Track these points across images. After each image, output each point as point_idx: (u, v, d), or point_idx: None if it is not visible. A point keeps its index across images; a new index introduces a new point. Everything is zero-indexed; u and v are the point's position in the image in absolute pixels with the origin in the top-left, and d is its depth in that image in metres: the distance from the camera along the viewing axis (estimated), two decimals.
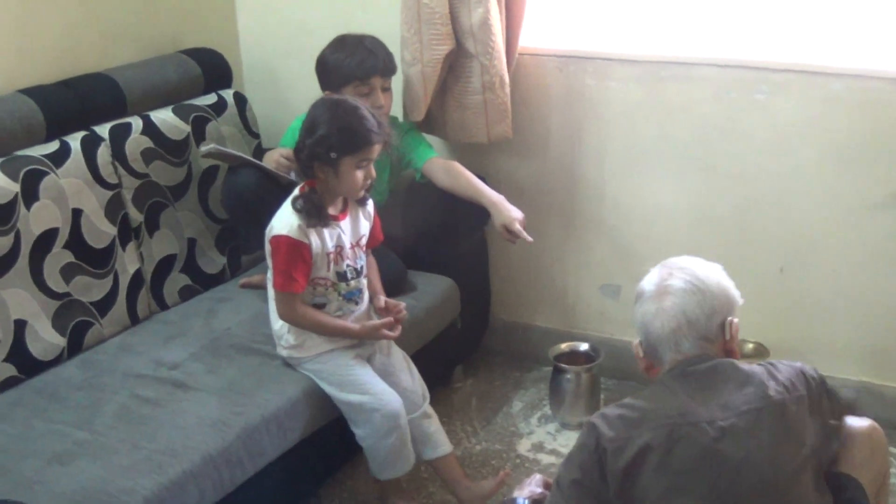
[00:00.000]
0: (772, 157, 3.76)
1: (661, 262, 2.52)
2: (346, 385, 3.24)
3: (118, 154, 3.58)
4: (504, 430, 3.95)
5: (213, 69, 4.11)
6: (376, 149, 3.13)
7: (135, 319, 3.59)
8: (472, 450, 3.81)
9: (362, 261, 3.32)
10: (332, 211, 3.21)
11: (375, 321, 3.31)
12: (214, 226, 3.94)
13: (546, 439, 3.89)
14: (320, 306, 3.25)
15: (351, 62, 3.66)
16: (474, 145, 4.03)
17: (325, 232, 3.18)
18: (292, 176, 3.61)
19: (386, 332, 3.28)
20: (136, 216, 3.63)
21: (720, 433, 2.24)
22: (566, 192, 4.14)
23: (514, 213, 3.72)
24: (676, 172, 3.92)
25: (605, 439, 2.29)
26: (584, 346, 4.06)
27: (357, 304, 3.31)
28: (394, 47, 3.78)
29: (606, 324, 4.26)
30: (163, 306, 3.71)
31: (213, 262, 3.91)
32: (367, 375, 3.28)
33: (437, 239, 3.96)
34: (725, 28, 3.83)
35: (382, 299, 3.40)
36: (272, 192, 3.53)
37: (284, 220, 3.16)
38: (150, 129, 3.71)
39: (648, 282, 2.48)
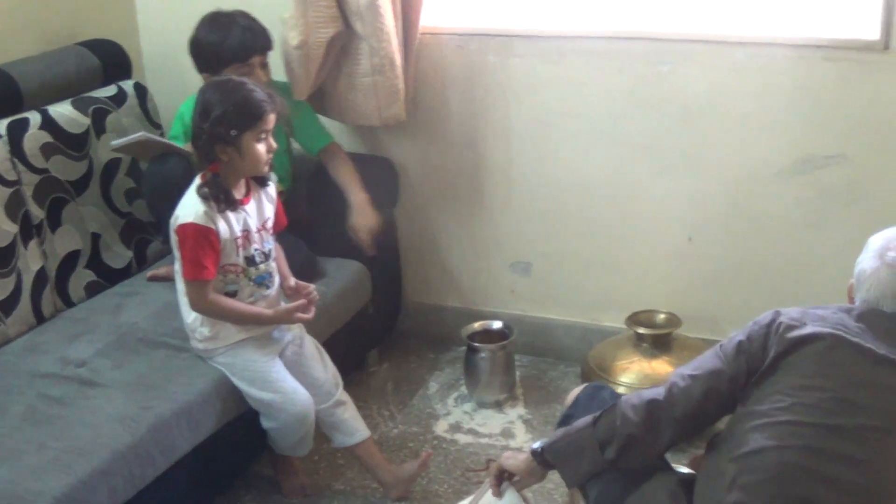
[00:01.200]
0: (679, 127, 3.79)
1: None
2: (256, 381, 3.22)
3: (16, 150, 3.52)
4: (421, 412, 3.95)
5: (112, 60, 4.05)
6: (272, 118, 3.11)
7: (40, 318, 3.53)
8: (390, 433, 3.80)
9: (269, 244, 3.28)
10: (236, 195, 3.15)
11: (288, 305, 3.27)
12: (119, 219, 3.89)
13: (463, 419, 3.89)
14: (232, 294, 3.20)
15: (230, 43, 3.63)
16: (377, 127, 4.02)
17: (231, 217, 3.13)
18: None
19: (300, 314, 3.25)
20: (37, 213, 3.56)
21: (877, 360, 2.31)
22: (472, 172, 4.14)
23: (367, 220, 3.84)
24: (584, 146, 3.94)
25: (786, 316, 2.41)
26: (497, 325, 4.07)
27: (268, 287, 3.28)
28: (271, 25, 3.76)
29: (518, 301, 4.27)
30: (69, 303, 3.65)
31: (118, 256, 3.85)
32: (277, 372, 3.26)
33: (344, 223, 3.94)
34: (626, 1, 3.84)
35: (292, 281, 3.38)
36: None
37: (189, 208, 3.10)
38: (48, 123, 3.64)
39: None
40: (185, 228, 3.08)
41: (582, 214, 4.01)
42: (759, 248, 3.81)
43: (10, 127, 3.54)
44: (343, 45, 3.80)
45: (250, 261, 3.20)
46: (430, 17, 3.96)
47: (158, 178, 3.62)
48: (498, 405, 3.96)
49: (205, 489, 3.28)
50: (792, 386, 2.32)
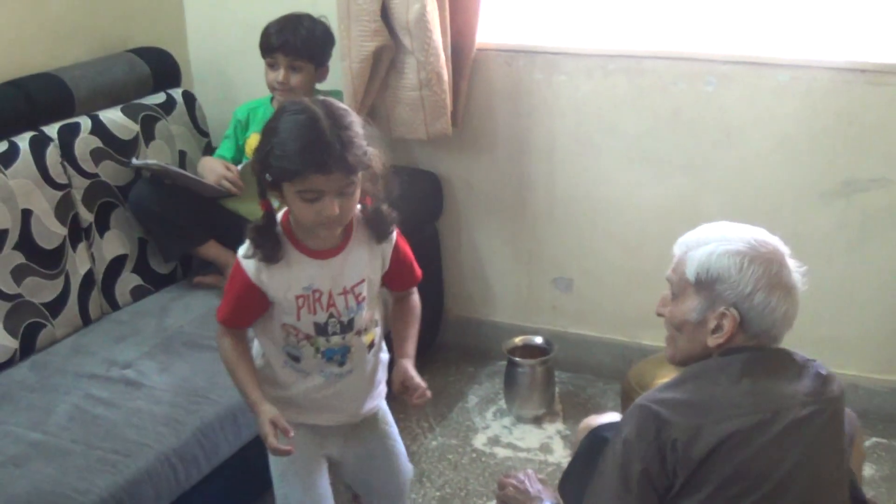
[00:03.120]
0: (720, 148, 3.79)
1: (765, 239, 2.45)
2: (285, 475, 2.76)
3: (67, 154, 3.56)
4: (459, 424, 3.96)
5: (161, 68, 4.08)
6: (324, 180, 2.34)
7: (87, 320, 3.57)
8: (428, 445, 3.82)
9: (358, 312, 2.62)
10: (311, 243, 2.55)
11: (269, 421, 2.49)
12: None
13: (502, 433, 3.90)
14: (295, 359, 2.65)
15: (266, 33, 3.76)
16: (426, 142, 4.04)
17: (293, 268, 2.54)
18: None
19: (276, 444, 2.48)
20: (86, 216, 3.60)
21: (796, 423, 2.23)
22: (516, 187, 4.16)
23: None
24: (626, 165, 3.94)
25: (674, 427, 2.21)
26: (537, 340, 4.08)
27: (341, 365, 2.67)
28: None
29: (559, 317, 4.28)
30: (114, 306, 3.68)
31: (164, 262, 3.88)
32: (314, 486, 2.76)
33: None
34: (672, 21, 3.85)
35: (404, 369, 2.69)
36: (180, 199, 3.65)
37: (247, 244, 2.57)
38: (98, 128, 3.69)
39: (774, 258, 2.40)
40: (237, 266, 2.57)
41: (624, 232, 4.01)
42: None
43: (61, 131, 3.59)
44: (392, 59, 3.82)
45: (321, 329, 2.60)
46: (480, 34, 3.97)
47: (134, 198, 3.73)
48: (537, 420, 3.96)
49: (245, 493, 3.28)
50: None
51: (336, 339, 2.62)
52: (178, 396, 3.07)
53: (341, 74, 3.80)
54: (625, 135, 3.91)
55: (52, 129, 3.57)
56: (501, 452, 3.77)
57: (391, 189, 2.57)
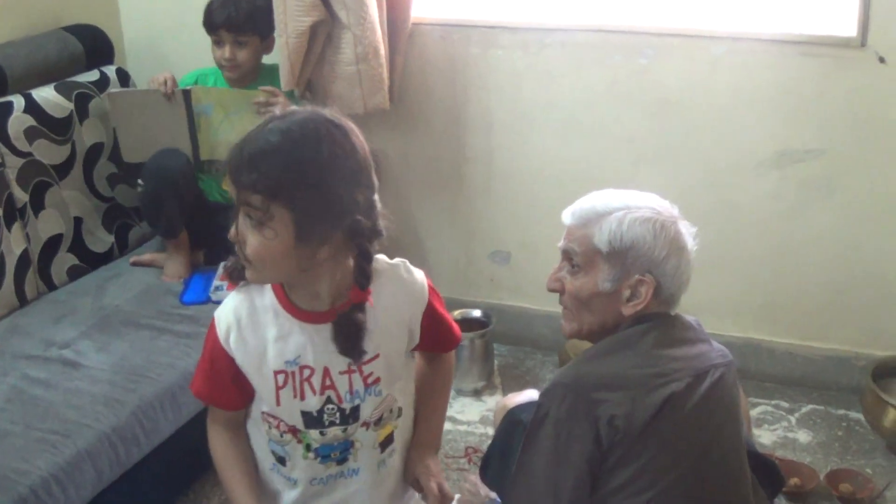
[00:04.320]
0: (657, 120, 3.82)
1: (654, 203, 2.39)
2: None
3: (0, 133, 3.52)
4: None
5: (94, 45, 4.05)
6: None
7: (23, 300, 3.54)
8: None
9: (366, 399, 2.12)
10: (301, 302, 2.06)
11: None
12: (101, 204, 3.90)
13: None
14: (280, 460, 2.18)
15: (208, 10, 3.76)
16: (360, 117, 4.03)
17: (270, 325, 2.06)
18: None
19: None
20: (20, 196, 3.57)
21: (714, 385, 2.25)
22: (453, 161, 4.17)
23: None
24: (563, 137, 3.96)
25: (609, 404, 2.14)
26: (476, 313, 4.10)
27: (342, 463, 2.16)
28: None
29: (497, 290, 4.30)
30: (51, 286, 3.66)
31: (100, 240, 3.86)
32: None
33: None
34: None
35: (425, 465, 2.25)
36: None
37: (227, 301, 2.14)
38: (32, 107, 3.65)
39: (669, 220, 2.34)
40: (211, 324, 2.14)
41: (561, 205, 3.93)
42: (738, 239, 3.85)
43: None
44: (329, 34, 3.81)
45: (312, 419, 2.10)
46: (414, 8, 3.97)
47: (161, 170, 3.66)
48: (476, 393, 3.99)
49: (188, 471, 3.29)
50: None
51: (334, 432, 2.11)
52: (117, 375, 3.05)
53: (278, 49, 3.78)
54: (562, 108, 3.92)
55: None
56: None
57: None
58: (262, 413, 2.10)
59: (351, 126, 2.03)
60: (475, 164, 4.13)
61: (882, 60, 3.49)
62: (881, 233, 3.69)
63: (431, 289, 2.22)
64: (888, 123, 3.56)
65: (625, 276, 2.29)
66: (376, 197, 2.04)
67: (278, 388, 2.03)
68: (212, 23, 3.72)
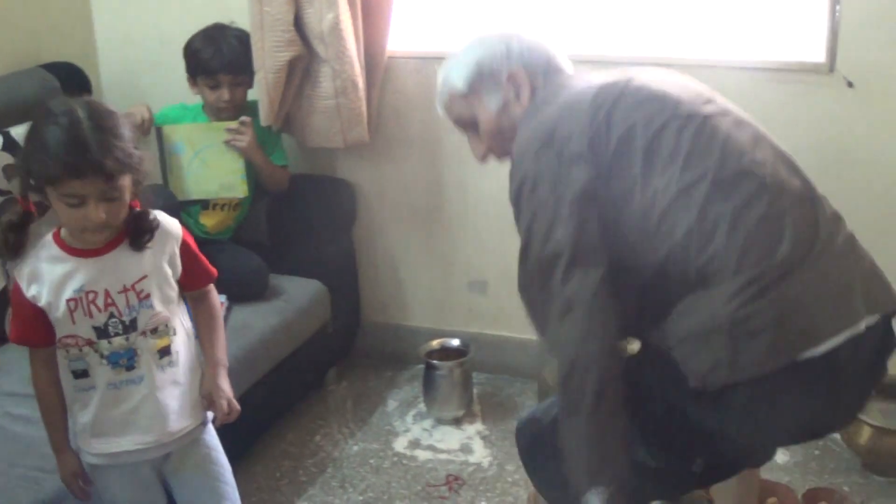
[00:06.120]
0: None
1: None
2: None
3: None
4: (380, 429, 4.00)
5: (72, 82, 4.06)
6: (82, 185, 2.28)
7: (3, 338, 3.50)
8: (350, 450, 3.85)
9: (141, 310, 2.50)
10: (79, 244, 2.46)
11: (71, 474, 2.60)
12: None
13: (422, 436, 3.94)
14: (80, 374, 2.53)
15: (203, 55, 3.77)
16: (336, 149, 4.07)
17: (61, 271, 2.44)
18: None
19: (80, 494, 2.62)
20: None
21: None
22: (429, 192, 4.21)
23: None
24: None
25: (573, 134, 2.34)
26: (454, 342, 4.13)
27: (132, 370, 2.51)
28: None
29: (475, 319, 4.33)
30: None
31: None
32: None
33: (304, 241, 4.00)
34: (581, 24, 3.91)
35: (209, 379, 2.65)
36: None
37: (22, 262, 2.52)
38: (10, 145, 3.64)
39: None
40: (14, 281, 2.52)
41: None
42: None
43: None
44: (307, 68, 3.85)
45: (101, 332, 2.48)
46: (390, 41, 4.01)
47: None
48: (456, 422, 4.01)
49: None
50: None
51: (119, 341, 2.48)
52: None
53: (256, 85, 3.81)
54: None
55: None
56: (422, 455, 3.81)
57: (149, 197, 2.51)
58: (62, 338, 2.48)
59: None
60: (451, 194, 4.17)
61: (850, 85, 3.55)
62: None
63: (185, 231, 2.62)
64: (857, 147, 3.61)
65: (497, 87, 2.60)
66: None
67: (71, 312, 2.43)
68: (209, 68, 3.75)
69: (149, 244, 2.49)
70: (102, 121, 2.32)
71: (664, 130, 2.29)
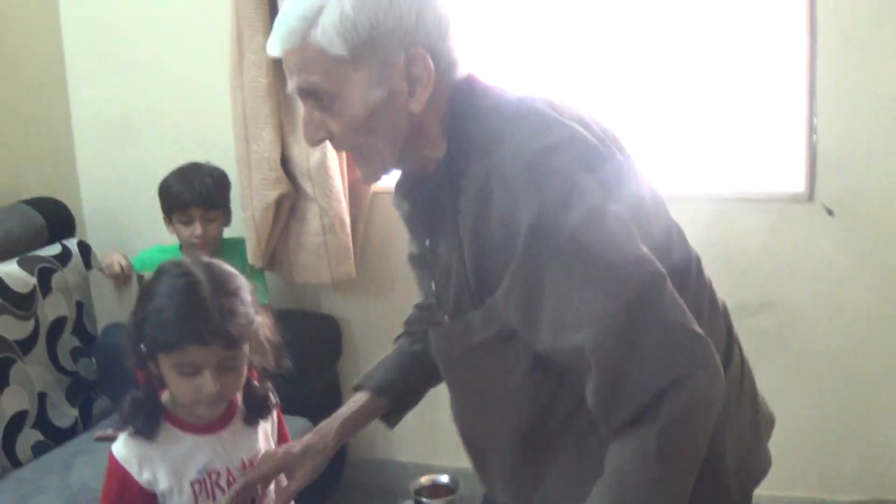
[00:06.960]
0: None
1: None
2: None
3: None
4: None
5: (56, 218, 4.07)
6: (202, 353, 2.10)
7: None
8: None
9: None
10: (192, 418, 2.24)
11: None
12: (65, 378, 3.86)
13: None
14: None
15: (175, 190, 3.79)
16: (321, 284, 4.07)
17: (179, 451, 2.21)
18: None
19: None
20: None
21: None
22: None
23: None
24: None
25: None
26: (444, 479, 4.07)
27: None
28: None
29: (464, 454, 4.29)
30: (16, 464, 3.59)
31: (64, 415, 3.81)
32: None
33: (288, 378, 3.96)
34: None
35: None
36: None
37: (121, 443, 2.25)
38: None
39: None
40: (112, 464, 2.23)
41: None
42: None
43: None
44: (293, 205, 3.87)
45: None
46: None
47: (109, 347, 3.65)
48: None
49: None
50: None
51: None
52: None
53: (243, 223, 3.82)
54: None
55: None
56: None
57: (282, 364, 2.35)
58: None
59: None
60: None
61: (830, 213, 3.60)
62: (833, 385, 3.77)
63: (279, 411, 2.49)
64: (837, 274, 3.65)
65: (387, 68, 1.81)
66: None
67: (196, 496, 2.19)
68: (181, 201, 3.76)
69: (261, 419, 2.35)
70: (224, 284, 2.15)
71: None
